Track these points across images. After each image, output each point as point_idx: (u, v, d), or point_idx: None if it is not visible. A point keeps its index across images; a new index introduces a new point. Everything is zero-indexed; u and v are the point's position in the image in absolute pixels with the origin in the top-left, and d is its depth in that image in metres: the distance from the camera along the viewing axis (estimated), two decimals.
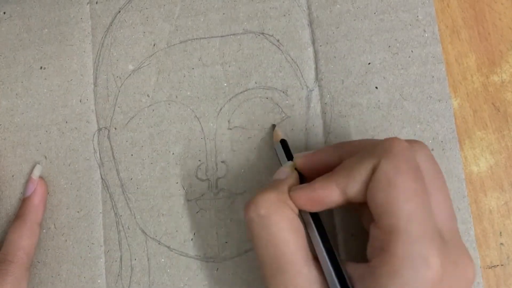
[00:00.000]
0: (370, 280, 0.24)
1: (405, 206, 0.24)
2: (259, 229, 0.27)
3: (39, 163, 0.38)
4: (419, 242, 0.23)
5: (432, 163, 0.27)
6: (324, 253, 0.27)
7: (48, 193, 0.37)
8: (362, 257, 0.27)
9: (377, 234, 0.25)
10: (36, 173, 0.37)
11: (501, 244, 0.34)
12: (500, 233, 0.34)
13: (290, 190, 0.28)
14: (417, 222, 0.24)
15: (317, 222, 0.28)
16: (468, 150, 0.35)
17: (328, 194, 0.26)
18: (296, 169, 0.31)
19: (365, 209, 0.28)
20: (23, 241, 0.35)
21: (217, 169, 0.36)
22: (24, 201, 0.36)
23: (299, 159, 0.30)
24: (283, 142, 0.34)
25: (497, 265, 0.34)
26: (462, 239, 0.27)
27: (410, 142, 0.27)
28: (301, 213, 0.29)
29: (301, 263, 0.26)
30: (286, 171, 0.30)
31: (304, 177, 0.31)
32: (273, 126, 0.36)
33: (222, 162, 0.36)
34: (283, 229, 0.26)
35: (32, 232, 0.35)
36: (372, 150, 0.26)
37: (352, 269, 0.26)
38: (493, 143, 0.35)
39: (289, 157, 0.32)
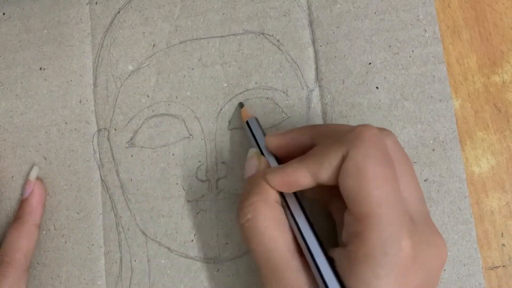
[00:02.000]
0: (346, 264, 0.25)
1: (375, 192, 0.25)
2: (248, 232, 0.28)
3: (37, 165, 0.38)
4: (390, 226, 0.24)
5: (400, 149, 0.28)
6: (301, 240, 0.28)
7: (47, 194, 0.37)
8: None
9: (351, 220, 0.26)
10: (33, 174, 0.37)
11: (503, 245, 0.34)
12: (502, 234, 0.34)
13: (265, 174, 0.29)
14: (387, 207, 0.24)
15: (298, 205, 0.29)
16: (469, 151, 0.35)
17: (300, 178, 0.27)
18: (261, 150, 0.32)
19: (334, 199, 0.30)
20: (21, 242, 0.35)
21: (217, 170, 0.36)
22: (22, 203, 0.36)
23: (271, 140, 0.31)
24: (251, 122, 0.34)
25: (499, 266, 0.33)
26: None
27: (379, 129, 0.27)
28: (282, 198, 0.29)
29: (288, 256, 0.27)
30: (254, 164, 0.31)
31: (275, 157, 0.32)
32: (240, 104, 0.36)
33: (223, 163, 0.36)
34: (268, 228, 0.28)
35: (30, 233, 0.35)
36: (343, 137, 0.26)
37: (330, 252, 0.27)
38: (495, 144, 0.35)
39: (259, 137, 0.33)
